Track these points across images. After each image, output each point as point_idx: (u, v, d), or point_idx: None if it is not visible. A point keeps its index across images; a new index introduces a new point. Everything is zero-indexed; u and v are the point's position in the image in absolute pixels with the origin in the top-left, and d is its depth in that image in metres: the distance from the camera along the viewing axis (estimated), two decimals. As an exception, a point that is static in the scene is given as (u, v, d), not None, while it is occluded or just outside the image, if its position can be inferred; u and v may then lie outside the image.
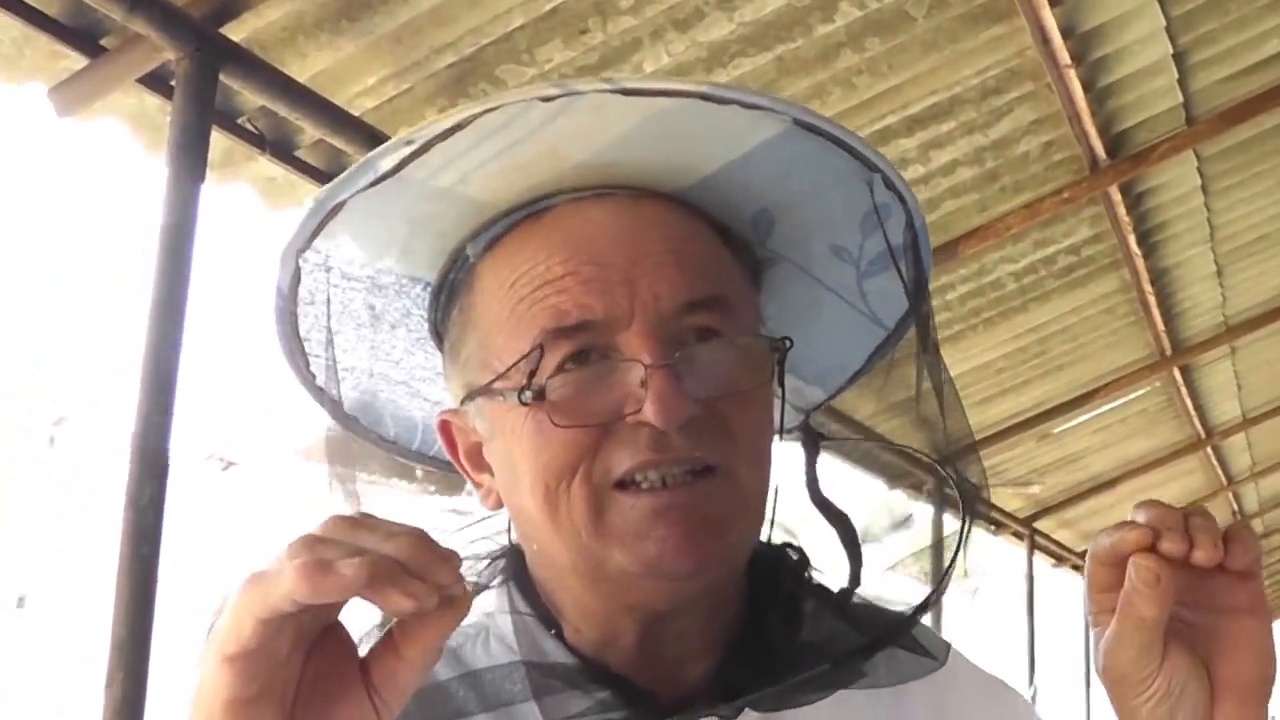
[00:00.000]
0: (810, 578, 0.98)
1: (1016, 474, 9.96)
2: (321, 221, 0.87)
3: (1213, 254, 6.63)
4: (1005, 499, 10.76)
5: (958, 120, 4.52)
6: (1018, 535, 11.81)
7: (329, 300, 0.93)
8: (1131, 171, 5.25)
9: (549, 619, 0.91)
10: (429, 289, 0.95)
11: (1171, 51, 4.56)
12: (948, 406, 0.95)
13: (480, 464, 0.94)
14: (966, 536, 0.94)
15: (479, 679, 0.87)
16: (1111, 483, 11.07)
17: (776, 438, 0.93)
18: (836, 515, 0.98)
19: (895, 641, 0.91)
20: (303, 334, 0.95)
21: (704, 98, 0.83)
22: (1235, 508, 14.99)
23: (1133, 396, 8.85)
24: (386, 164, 0.83)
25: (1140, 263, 6.25)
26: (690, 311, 0.86)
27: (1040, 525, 11.80)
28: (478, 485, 0.95)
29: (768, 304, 0.98)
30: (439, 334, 0.97)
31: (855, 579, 0.96)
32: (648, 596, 0.86)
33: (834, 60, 3.93)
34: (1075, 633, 14.76)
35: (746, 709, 0.87)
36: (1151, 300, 6.82)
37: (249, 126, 2.95)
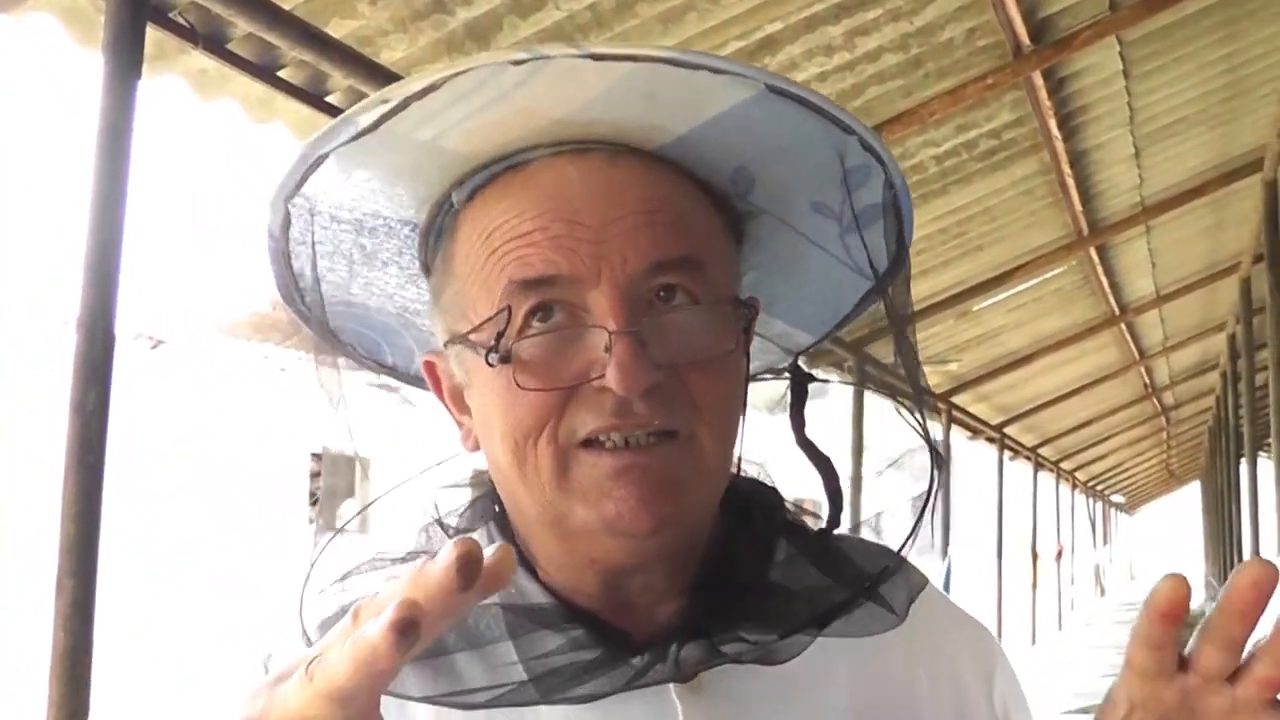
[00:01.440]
0: (786, 517, 1.00)
1: (936, 351, 10.12)
2: (306, 172, 0.89)
3: (1131, 137, 6.74)
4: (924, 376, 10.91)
5: (883, 8, 4.52)
6: (935, 410, 12.04)
7: (314, 243, 0.94)
8: (1055, 57, 5.30)
9: (526, 561, 0.93)
10: (417, 230, 0.96)
11: (1095, -63, 4.60)
12: (914, 366, 0.99)
13: (463, 405, 0.95)
14: (933, 499, 0.96)
15: (460, 621, 0.84)
16: (1028, 358, 11.31)
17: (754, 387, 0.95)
18: (820, 459, 1.00)
19: (864, 598, 0.91)
20: (296, 271, 0.97)
21: (671, 63, 0.84)
22: (1147, 381, 15.38)
23: (1050, 275, 8.98)
24: (365, 120, 0.84)
25: (1060, 145, 6.34)
26: (659, 271, 0.87)
27: (958, 400, 12.04)
28: (458, 425, 0.96)
29: (753, 254, 0.99)
30: (429, 272, 0.97)
31: (834, 522, 0.99)
32: (609, 552, 0.88)
33: (764, -53, 3.93)
34: (989, 503, 15.17)
35: (720, 649, 0.88)
36: (1070, 182, 6.93)
37: (181, 20, 2.91)
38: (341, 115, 0.86)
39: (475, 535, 0.91)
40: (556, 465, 0.86)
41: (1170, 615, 0.75)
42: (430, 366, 0.97)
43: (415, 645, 0.54)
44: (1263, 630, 0.75)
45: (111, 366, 2.37)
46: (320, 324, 1.00)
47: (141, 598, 13.51)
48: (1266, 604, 0.73)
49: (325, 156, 0.87)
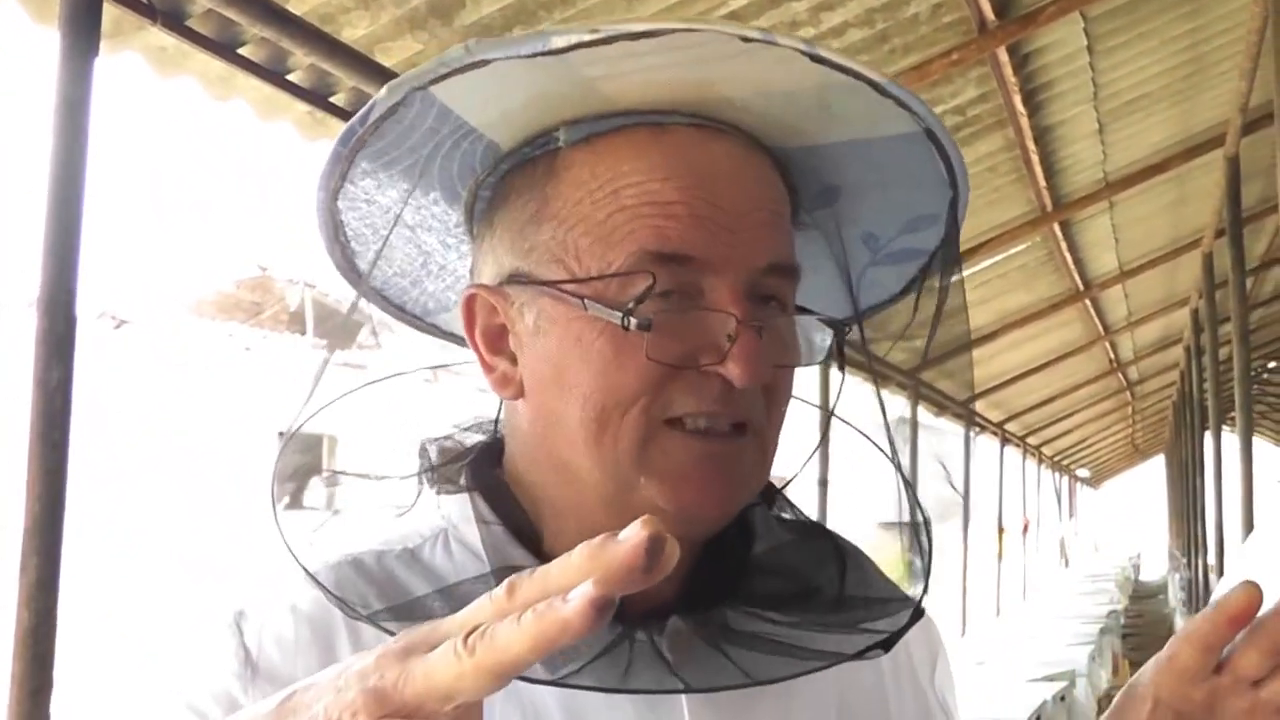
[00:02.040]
0: (771, 518, 0.99)
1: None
2: (456, 70, 0.84)
3: (1095, 112, 6.77)
4: (891, 353, 10.96)
5: (849, -18, 4.53)
6: (901, 386, 12.09)
7: (412, 129, 0.90)
8: (1019, 33, 5.32)
9: (521, 528, 0.91)
10: (490, 150, 0.92)
11: (1060, -88, 4.62)
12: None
13: (498, 347, 0.92)
14: (929, 549, 0.96)
15: (452, 593, 0.86)
16: (992, 335, 11.36)
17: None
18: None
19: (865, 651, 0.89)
20: (357, 159, 0.92)
21: (874, 86, 0.84)
22: (1112, 356, 15.49)
23: (1014, 251, 9.03)
24: (560, 43, 0.81)
25: (1025, 121, 6.35)
26: (772, 273, 0.87)
27: (924, 376, 12.08)
28: (489, 368, 0.92)
29: None
30: (481, 196, 0.95)
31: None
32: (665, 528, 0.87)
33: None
34: (956, 478, 15.24)
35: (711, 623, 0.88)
36: (1034, 158, 6.95)
37: None
38: (533, 31, 0.85)
39: (453, 497, 0.94)
40: (640, 440, 0.84)
41: (1241, 621, 0.77)
42: (471, 300, 0.93)
43: (605, 621, 0.53)
44: None
45: (74, 343, 2.36)
46: (340, 243, 0.98)
47: (108, 578, 13.44)
48: None
49: (487, 63, 0.83)
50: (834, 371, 0.95)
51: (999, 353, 12.38)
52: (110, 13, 2.76)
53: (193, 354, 16.28)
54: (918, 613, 0.91)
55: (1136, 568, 24.30)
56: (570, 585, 0.52)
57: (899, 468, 0.97)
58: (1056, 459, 27.67)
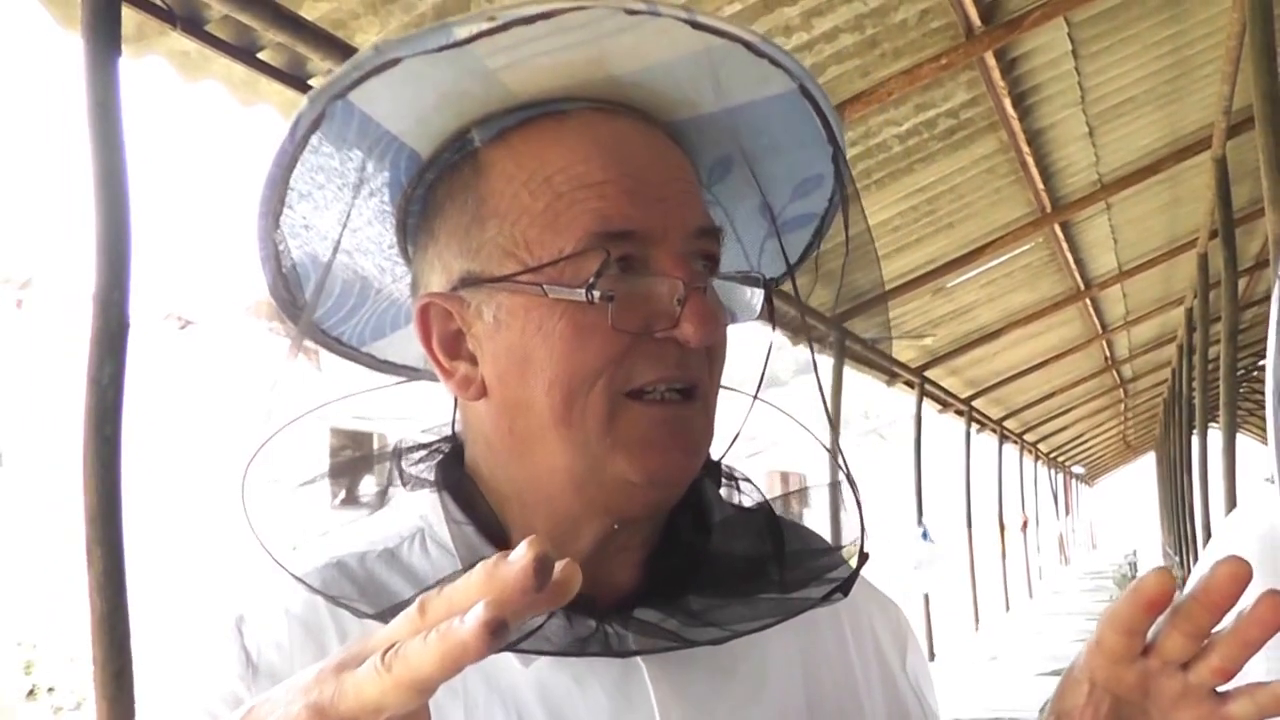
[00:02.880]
0: (723, 492, 1.01)
1: (913, 326, 10.30)
2: (369, 73, 0.86)
3: (1084, 115, 6.91)
4: (901, 350, 11.09)
5: (838, -13, 4.68)
6: (909, 384, 12.21)
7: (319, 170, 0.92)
8: (1005, 38, 5.47)
9: (490, 527, 0.92)
10: (412, 161, 0.94)
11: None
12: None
13: (456, 351, 0.92)
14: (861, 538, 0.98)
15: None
16: (996, 333, 11.48)
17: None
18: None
19: (814, 602, 0.92)
20: (291, 181, 0.93)
21: (750, 47, 0.88)
22: (1108, 354, 15.54)
23: (1018, 251, 9.18)
24: (462, 33, 0.83)
25: (1017, 124, 6.52)
26: (702, 237, 0.90)
27: (929, 374, 12.21)
28: (449, 373, 0.92)
29: None
30: (412, 211, 0.96)
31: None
32: (632, 504, 0.89)
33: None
34: (957, 471, 15.38)
35: (668, 617, 0.89)
36: (1029, 160, 7.11)
37: (158, 1, 2.99)
38: (432, 25, 0.84)
39: (426, 495, 0.96)
40: (606, 415, 0.86)
41: (1157, 604, 0.77)
42: (425, 310, 0.92)
43: (501, 642, 0.54)
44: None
45: (126, 339, 2.44)
46: (274, 247, 0.98)
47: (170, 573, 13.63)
48: (1239, 599, 0.75)
49: (396, 62, 0.85)
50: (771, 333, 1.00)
51: (1002, 350, 12.48)
52: (132, 17, 2.89)
53: (252, 354, 16.33)
54: (863, 556, 0.94)
55: (1133, 565, 24.23)
56: (471, 604, 0.54)
57: (835, 439, 1.02)
58: (1053, 456, 27.59)
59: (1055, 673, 9.46)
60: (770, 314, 0.97)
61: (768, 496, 1.01)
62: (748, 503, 1.00)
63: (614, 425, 0.86)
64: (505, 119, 0.91)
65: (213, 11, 3.22)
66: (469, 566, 0.81)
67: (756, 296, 0.95)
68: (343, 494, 1.01)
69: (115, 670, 2.43)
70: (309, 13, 3.41)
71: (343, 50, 3.47)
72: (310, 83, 3.63)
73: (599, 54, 0.88)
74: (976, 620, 16.10)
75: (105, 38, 2.56)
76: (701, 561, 0.93)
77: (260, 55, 3.48)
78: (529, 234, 0.87)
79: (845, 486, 0.99)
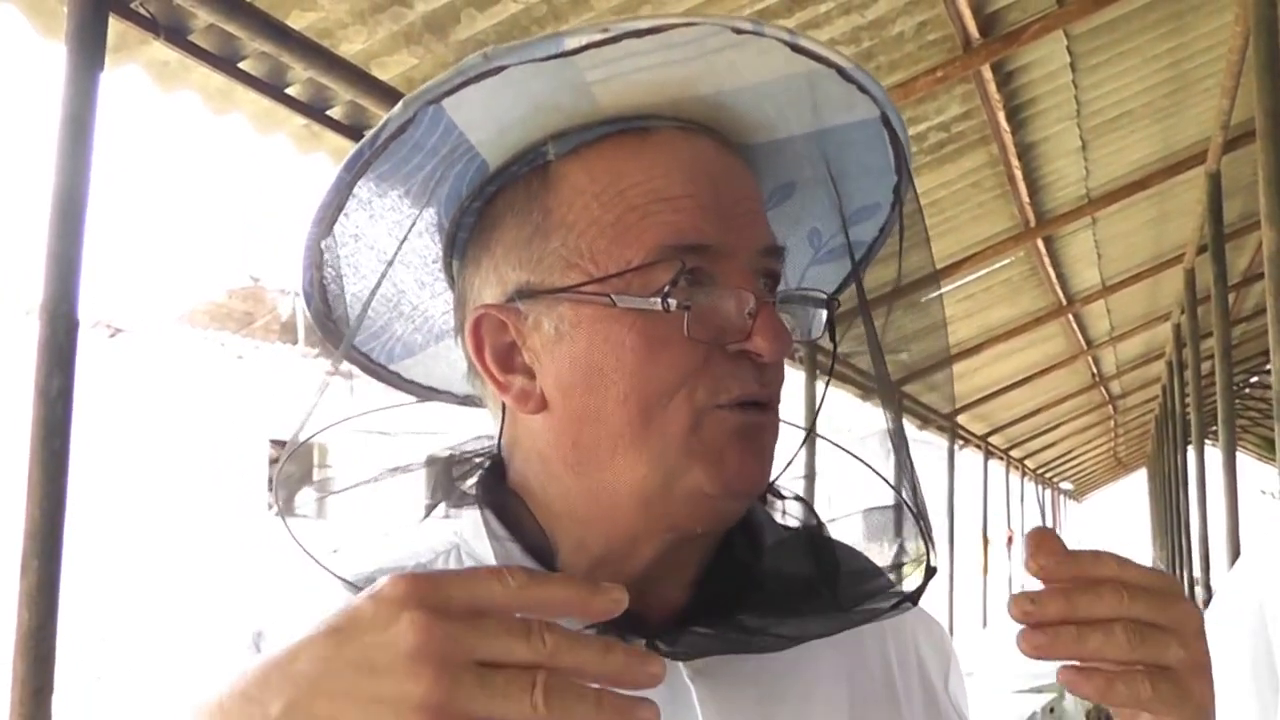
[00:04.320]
0: (771, 515, 1.00)
1: (887, 341, 10.18)
2: (472, 79, 0.85)
3: (1078, 129, 6.83)
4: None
5: (835, 1, 4.58)
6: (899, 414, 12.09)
7: (424, 150, 0.90)
8: (1003, 51, 5.38)
9: (536, 546, 0.91)
10: (478, 173, 0.93)
11: (1043, -67, 4.66)
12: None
13: (511, 365, 0.91)
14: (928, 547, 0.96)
15: None
16: (977, 348, 11.41)
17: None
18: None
19: (865, 619, 0.91)
20: (354, 191, 0.91)
21: (843, 74, 0.89)
22: (1094, 370, 15.55)
23: (998, 266, 9.09)
24: (572, 43, 0.83)
25: (1008, 138, 6.42)
26: (768, 255, 0.91)
27: (908, 389, 12.12)
28: (504, 387, 0.91)
29: None
30: (464, 224, 0.95)
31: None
32: (702, 516, 0.88)
33: (719, -59, 3.96)
34: (940, 491, 15.33)
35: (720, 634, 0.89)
36: (1018, 173, 7.02)
37: (142, 11, 2.91)
38: (542, 35, 0.84)
39: (464, 514, 0.95)
40: (689, 426, 0.86)
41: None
42: (479, 322, 0.91)
43: None
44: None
45: (75, 352, 2.39)
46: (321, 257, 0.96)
47: (101, 584, 13.42)
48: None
49: (503, 69, 0.84)
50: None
51: (982, 366, 12.43)
52: (114, 27, 2.80)
53: (185, 363, 16.27)
54: (930, 569, 0.93)
55: (1121, 580, 24.38)
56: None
57: (905, 464, 0.99)
58: (1040, 472, 27.73)
59: (1032, 690, 9.35)
60: (832, 333, 0.98)
61: (820, 516, 1.01)
62: (796, 523, 1.00)
63: (697, 436, 0.86)
64: (584, 134, 0.90)
65: (198, 21, 3.13)
66: None
67: (815, 317, 0.98)
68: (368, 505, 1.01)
69: (35, 688, 2.36)
70: (296, 22, 3.32)
71: (327, 60, 3.39)
72: (289, 92, 3.56)
73: (695, 73, 0.88)
74: (951, 635, 16.01)
75: (89, 49, 2.49)
76: (755, 581, 0.92)
77: (241, 65, 3.39)
78: (596, 245, 0.87)
79: (908, 496, 0.98)
